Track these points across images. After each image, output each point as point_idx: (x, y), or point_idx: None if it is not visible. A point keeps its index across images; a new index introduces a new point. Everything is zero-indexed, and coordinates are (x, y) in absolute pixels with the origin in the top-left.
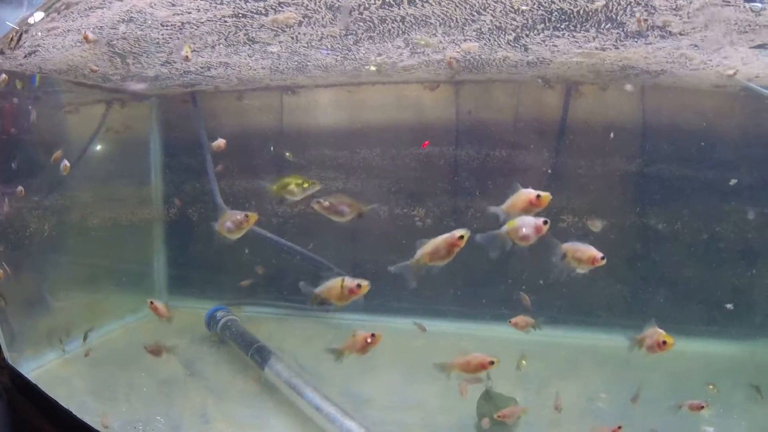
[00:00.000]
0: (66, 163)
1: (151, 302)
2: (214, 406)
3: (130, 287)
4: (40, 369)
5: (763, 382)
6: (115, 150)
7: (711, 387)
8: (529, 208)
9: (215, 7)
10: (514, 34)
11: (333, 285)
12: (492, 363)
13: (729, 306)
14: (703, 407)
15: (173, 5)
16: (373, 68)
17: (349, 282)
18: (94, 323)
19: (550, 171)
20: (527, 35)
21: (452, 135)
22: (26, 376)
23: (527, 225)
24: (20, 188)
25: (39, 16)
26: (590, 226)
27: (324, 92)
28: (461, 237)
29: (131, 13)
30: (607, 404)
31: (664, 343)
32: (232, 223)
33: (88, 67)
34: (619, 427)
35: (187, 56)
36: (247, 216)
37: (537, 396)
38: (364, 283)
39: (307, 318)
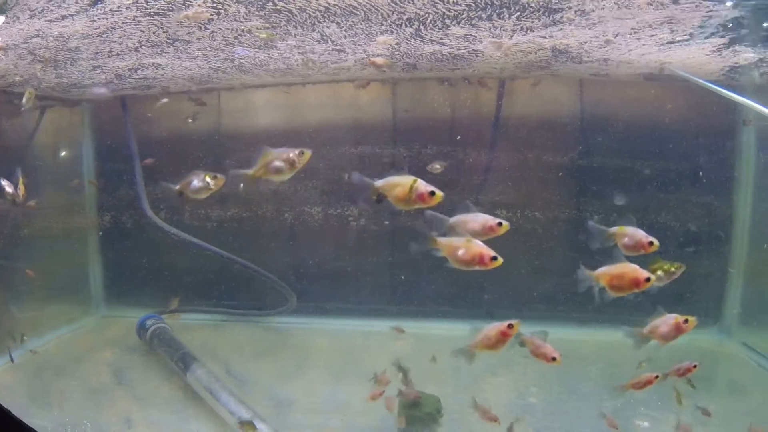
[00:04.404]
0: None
1: None
2: (139, 412)
3: (66, 298)
4: None
5: (707, 372)
6: (46, 157)
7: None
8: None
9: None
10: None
11: (400, 182)
12: (511, 326)
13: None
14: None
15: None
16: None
17: (422, 185)
18: (30, 334)
19: (485, 166)
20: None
21: (389, 133)
22: None
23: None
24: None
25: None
26: (431, 170)
27: (260, 93)
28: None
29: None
30: (539, 399)
31: (686, 321)
32: (199, 181)
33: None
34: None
35: None
36: (215, 177)
37: (466, 393)
38: (439, 192)
39: (243, 324)
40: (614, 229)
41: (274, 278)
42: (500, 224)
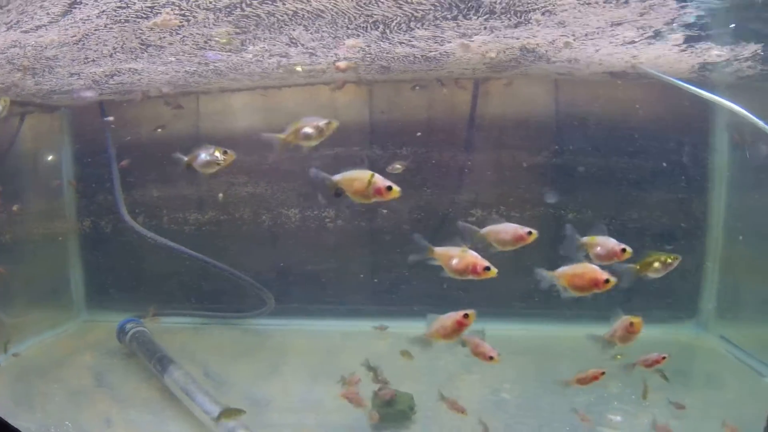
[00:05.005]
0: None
1: None
2: (118, 413)
3: (48, 303)
4: None
5: (685, 366)
6: (26, 163)
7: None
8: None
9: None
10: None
11: (358, 177)
12: (467, 316)
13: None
14: None
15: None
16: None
17: (380, 180)
18: (14, 338)
19: (461, 165)
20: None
21: (366, 135)
22: None
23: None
24: None
25: None
26: (391, 170)
27: (239, 96)
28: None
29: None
30: (512, 395)
31: (632, 324)
32: (207, 154)
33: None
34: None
35: None
36: (226, 152)
37: (442, 391)
38: (396, 187)
39: (223, 326)
40: (585, 239)
41: (251, 281)
42: (530, 233)
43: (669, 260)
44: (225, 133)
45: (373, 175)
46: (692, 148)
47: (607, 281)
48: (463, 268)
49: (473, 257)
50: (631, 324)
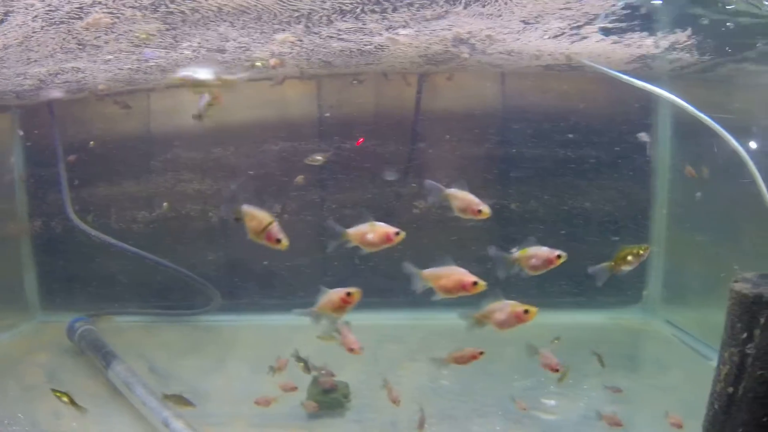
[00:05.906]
0: None
1: None
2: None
3: (4, 305)
4: None
5: (631, 350)
6: None
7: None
8: None
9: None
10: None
11: (258, 216)
12: (350, 294)
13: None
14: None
15: None
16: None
17: (275, 230)
18: None
19: (407, 160)
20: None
21: (315, 129)
22: None
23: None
24: None
25: None
26: (310, 161)
27: (189, 93)
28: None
29: None
30: (451, 381)
31: (526, 312)
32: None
33: None
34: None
35: None
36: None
37: (379, 378)
38: (285, 241)
39: (173, 323)
40: (517, 254)
41: (195, 277)
42: (480, 211)
43: (641, 251)
44: (176, 129)
45: (271, 222)
46: (636, 137)
47: (475, 284)
48: (378, 240)
49: (383, 227)
50: (526, 312)
